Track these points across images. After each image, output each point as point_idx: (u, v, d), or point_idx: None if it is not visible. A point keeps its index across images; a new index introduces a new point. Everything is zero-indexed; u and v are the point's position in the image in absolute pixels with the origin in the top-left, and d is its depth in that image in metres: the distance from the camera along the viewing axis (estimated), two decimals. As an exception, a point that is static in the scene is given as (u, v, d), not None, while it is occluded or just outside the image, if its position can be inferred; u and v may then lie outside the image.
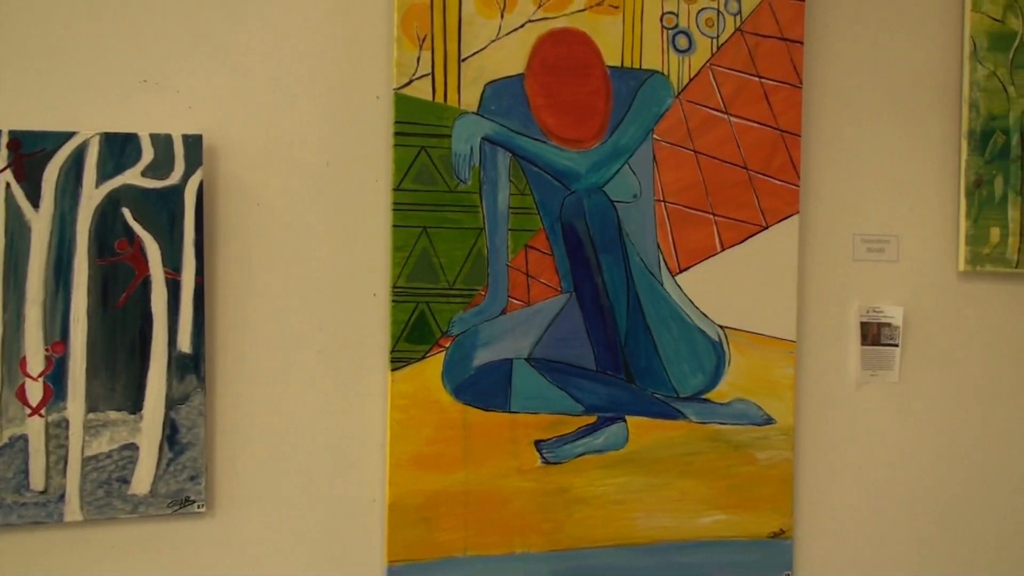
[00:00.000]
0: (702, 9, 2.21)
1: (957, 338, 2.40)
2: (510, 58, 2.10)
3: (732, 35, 2.22)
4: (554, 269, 2.13)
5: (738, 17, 2.23)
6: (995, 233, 2.39)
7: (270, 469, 2.02)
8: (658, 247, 2.18)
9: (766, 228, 2.24)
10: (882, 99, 2.37)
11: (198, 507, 1.94)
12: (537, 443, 2.12)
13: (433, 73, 2.06)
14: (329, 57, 2.04)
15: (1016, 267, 2.39)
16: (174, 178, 1.91)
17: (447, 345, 2.07)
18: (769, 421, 2.25)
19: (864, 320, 2.33)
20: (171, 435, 1.92)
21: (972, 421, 2.42)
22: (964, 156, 2.37)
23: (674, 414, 2.19)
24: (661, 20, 2.19)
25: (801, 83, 2.26)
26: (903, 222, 2.37)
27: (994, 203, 2.38)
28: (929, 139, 2.39)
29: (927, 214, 2.39)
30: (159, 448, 1.91)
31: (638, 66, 2.18)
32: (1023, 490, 2.45)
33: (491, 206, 2.09)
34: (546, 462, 2.13)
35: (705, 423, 2.21)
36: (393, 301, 2.04)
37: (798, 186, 2.26)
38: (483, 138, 2.09)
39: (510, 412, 2.10)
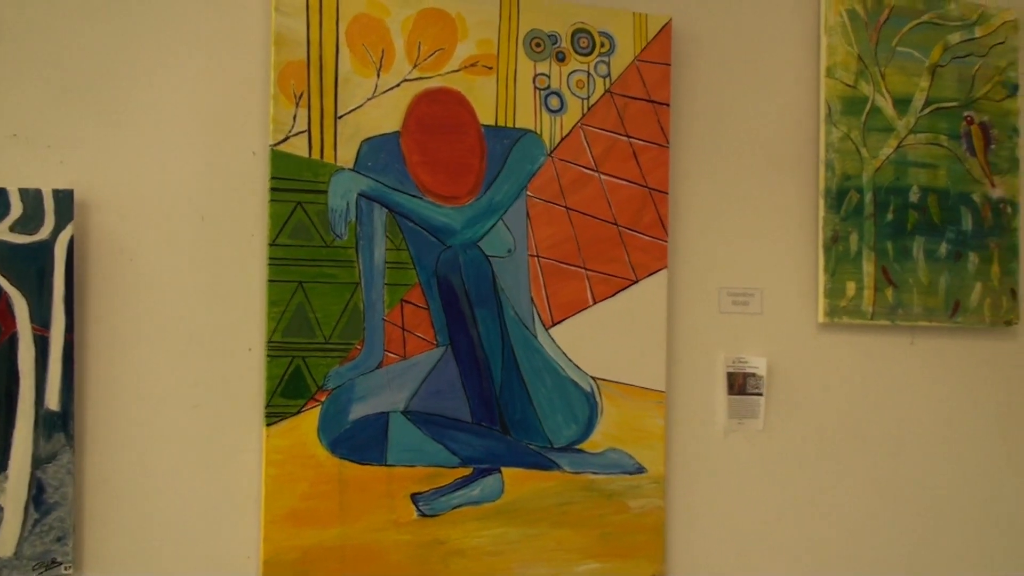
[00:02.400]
0: (573, 71, 2.29)
1: (817, 387, 2.51)
2: (386, 116, 2.14)
3: (602, 96, 2.31)
4: (430, 323, 2.16)
5: (607, 79, 2.31)
6: (851, 287, 2.51)
7: (142, 527, 1.99)
8: (532, 301, 2.24)
9: (636, 282, 2.32)
10: (745, 159, 2.48)
11: (65, 568, 1.90)
12: (414, 496, 2.14)
13: (310, 130, 2.09)
14: (205, 112, 2.05)
15: (871, 319, 2.52)
16: (43, 233, 1.88)
17: (323, 399, 2.07)
18: (641, 470, 2.31)
19: (730, 370, 2.42)
20: (37, 495, 1.87)
21: (832, 466, 2.52)
22: (821, 213, 2.50)
23: (549, 464, 2.24)
24: (534, 81, 2.26)
25: (668, 143, 2.36)
26: (766, 276, 2.48)
27: (850, 258, 2.51)
28: (789, 197, 2.51)
29: (788, 269, 2.50)
30: (24, 509, 1.87)
31: (512, 125, 2.24)
32: (881, 532, 2.55)
33: (367, 261, 2.12)
34: (423, 515, 2.14)
35: (579, 473, 2.26)
36: (268, 356, 2.05)
37: (666, 242, 2.35)
38: (359, 194, 2.12)
39: (386, 465, 2.12)
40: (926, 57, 2.60)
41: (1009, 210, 2.66)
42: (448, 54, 2.19)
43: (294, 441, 2.06)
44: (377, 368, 2.12)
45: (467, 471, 2.18)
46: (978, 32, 2.66)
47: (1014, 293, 2.65)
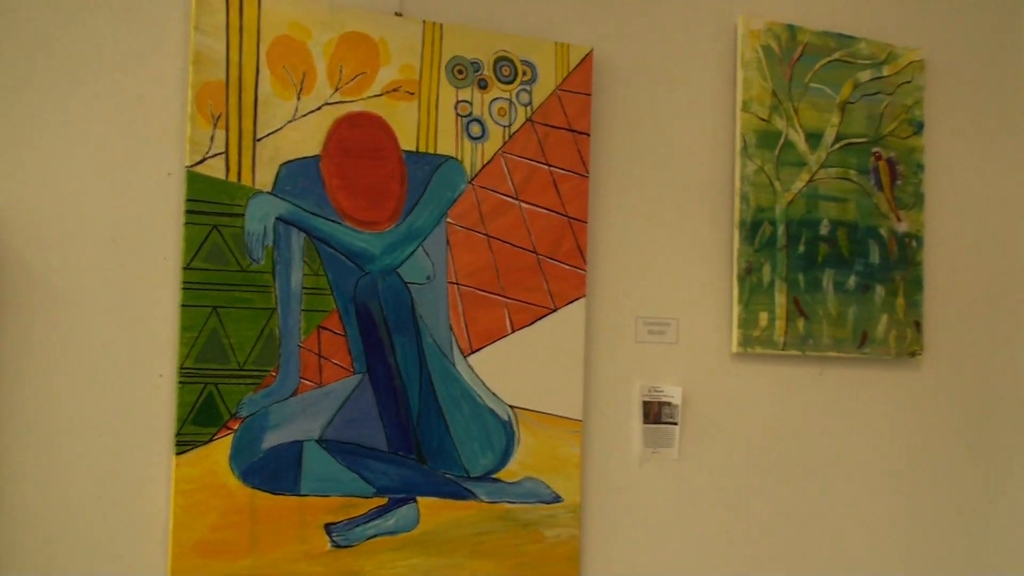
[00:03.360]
0: (495, 99, 2.29)
1: (730, 416, 2.54)
2: (306, 140, 2.11)
3: (523, 125, 2.31)
4: (347, 350, 2.13)
5: (529, 108, 2.32)
6: (764, 317, 2.55)
7: (46, 558, 1.92)
8: (451, 328, 2.22)
9: (555, 311, 2.32)
10: (663, 189, 2.51)
11: (-41, 604, 1.82)
12: (327, 526, 2.10)
13: (227, 152, 2.05)
14: (120, 131, 2.00)
15: (783, 349, 2.56)
16: (-56, 253, 1.81)
17: (236, 428, 2.03)
18: (557, 499, 2.30)
19: (646, 399, 2.44)
20: (-69, 527, 1.79)
21: (745, 494, 2.55)
22: (736, 245, 2.54)
23: (465, 494, 2.22)
24: (456, 108, 2.25)
25: (588, 172, 2.37)
26: (682, 306, 2.51)
27: (763, 289, 2.55)
28: (705, 228, 2.54)
29: (704, 299, 2.53)
30: (-83, 541, 1.78)
31: (433, 151, 2.23)
32: (794, 558, 2.59)
33: (284, 286, 2.08)
34: (336, 545, 2.10)
35: (495, 502, 2.25)
36: (180, 383, 1.99)
37: (585, 270, 2.36)
38: (277, 218, 2.08)
39: (300, 495, 2.08)
40: (837, 94, 2.67)
41: (914, 244, 2.73)
42: (370, 78, 2.18)
43: (204, 470, 2.00)
44: (292, 396, 2.08)
45: (382, 501, 2.15)
46: (886, 71, 2.73)
47: (918, 325, 2.72)
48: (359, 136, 2.16)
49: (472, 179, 2.26)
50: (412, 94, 2.21)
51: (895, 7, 2.80)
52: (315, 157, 2.12)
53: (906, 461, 2.73)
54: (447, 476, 2.20)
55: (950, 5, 2.88)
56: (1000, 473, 2.84)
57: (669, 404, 2.46)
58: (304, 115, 2.12)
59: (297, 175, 2.10)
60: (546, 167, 2.33)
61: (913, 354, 2.72)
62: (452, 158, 2.24)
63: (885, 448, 2.71)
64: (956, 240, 2.83)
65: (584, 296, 2.35)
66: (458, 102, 2.26)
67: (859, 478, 2.67)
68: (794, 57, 2.62)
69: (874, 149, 2.71)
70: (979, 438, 2.82)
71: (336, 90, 2.14)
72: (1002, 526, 2.83)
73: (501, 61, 2.30)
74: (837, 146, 2.66)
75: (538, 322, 2.31)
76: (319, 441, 2.10)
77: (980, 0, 2.93)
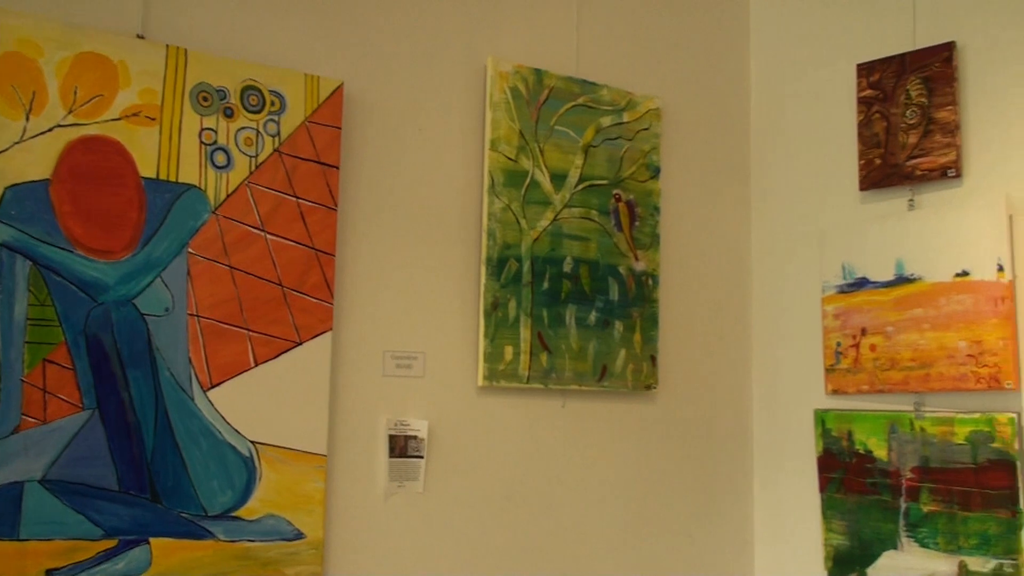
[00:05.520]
0: (241, 128, 2.25)
1: (476, 448, 2.58)
2: (35, 162, 2.01)
3: (270, 155, 2.28)
4: (75, 384, 2.02)
5: (277, 138, 2.29)
6: (509, 351, 2.61)
7: None
8: (190, 362, 2.15)
9: (300, 344, 2.29)
10: (412, 224, 2.53)
11: None
12: (50, 572, 1.98)
13: (-56, 172, 1.91)
14: None
15: (527, 382, 2.63)
16: None
17: (-53, 469, 1.88)
18: (299, 536, 2.26)
19: (392, 433, 2.44)
20: None
21: (491, 525, 2.59)
22: (483, 280, 2.59)
23: (202, 533, 2.15)
24: (200, 135, 2.20)
25: (336, 206, 2.36)
26: (429, 340, 2.53)
27: (508, 324, 2.62)
28: (453, 263, 2.58)
29: (451, 333, 2.57)
30: None
31: (175, 179, 2.16)
32: (533, 588, 2.66)
33: (5, 317, 1.96)
34: (59, 592, 1.99)
35: (234, 541, 2.18)
36: None
37: (332, 304, 2.34)
38: (0, 244, 1.96)
39: (19, 540, 1.95)
40: (580, 137, 2.78)
41: (651, 282, 2.88)
42: (108, 101, 2.09)
43: (-91, 516, 1.85)
44: (12, 434, 1.95)
45: (112, 543, 2.05)
46: (626, 117, 2.88)
47: (654, 360, 2.86)
48: (94, 161, 2.07)
49: (216, 209, 2.21)
50: (153, 119, 2.14)
51: (634, 57, 2.96)
52: (44, 181, 2.01)
53: (641, 487, 2.85)
54: (183, 515, 2.12)
55: (684, 58, 3.07)
56: (717, 496, 3.01)
57: (415, 438, 2.47)
58: (33, 136, 2.01)
59: (24, 199, 1.99)
60: (294, 199, 2.31)
61: (648, 387, 2.85)
62: (195, 186, 2.18)
63: (622, 476, 2.82)
64: (687, 279, 3.00)
65: (330, 329, 2.34)
66: (202, 130, 2.20)
67: (598, 504, 2.77)
68: (540, 100, 2.71)
69: (615, 191, 2.84)
70: (702, 465, 2.99)
71: (70, 112, 2.05)
72: (721, 540, 3.01)
73: (249, 90, 2.26)
74: (580, 187, 2.77)
75: (283, 355, 2.27)
76: (42, 481, 1.98)
77: (711, 54, 3.14)
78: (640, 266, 2.86)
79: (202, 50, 2.23)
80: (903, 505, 2.66)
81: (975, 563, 2.51)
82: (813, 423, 2.87)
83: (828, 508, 2.81)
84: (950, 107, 2.66)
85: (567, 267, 2.72)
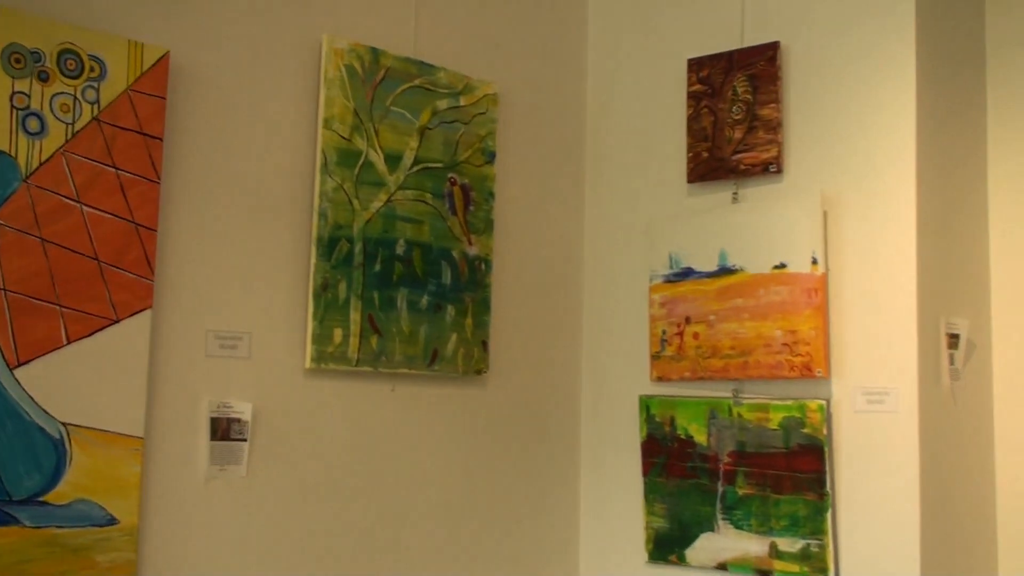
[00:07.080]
0: (57, 93, 2.14)
1: (303, 432, 2.53)
2: None
3: (89, 123, 2.17)
4: None
5: (96, 106, 2.18)
6: (338, 333, 2.57)
7: None
8: (-5, 338, 2.03)
9: (117, 322, 2.20)
10: (240, 201, 2.45)
11: None
12: None
13: None
14: None
15: (356, 365, 2.60)
16: None
17: None
18: (112, 521, 2.17)
19: (214, 415, 2.37)
20: None
21: (317, 510, 2.54)
22: (313, 260, 2.54)
23: (5, 519, 2.03)
24: (11, 99, 2.08)
25: (159, 178, 2.27)
26: (256, 320, 2.47)
27: (338, 305, 2.57)
28: (283, 242, 2.52)
29: (278, 314, 2.50)
30: None
31: (-18, 144, 2.04)
32: (364, 573, 2.62)
33: None
34: None
35: (41, 527, 2.07)
36: None
37: (152, 280, 2.25)
38: None
39: None
40: (416, 119, 2.76)
41: (483, 267, 2.88)
42: (-94, 58, 1.95)
43: None
44: None
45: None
46: (463, 101, 2.87)
47: (485, 344, 2.87)
48: None
49: (27, 177, 2.09)
50: (-42, 80, 2.01)
51: (473, 41, 2.96)
52: None
53: (470, 472, 2.86)
54: (-16, 500, 2.01)
55: (523, 45, 3.09)
56: (544, 481, 3.05)
57: (239, 420, 2.41)
58: None
59: None
60: (113, 170, 2.20)
61: (479, 372, 2.86)
62: (4, 153, 2.06)
63: (450, 460, 2.82)
64: (520, 264, 3.02)
65: (150, 307, 2.25)
66: (14, 93, 2.08)
67: (426, 489, 2.76)
68: (376, 80, 2.67)
69: (450, 175, 2.83)
70: (530, 450, 3.02)
71: None
72: (547, 525, 3.05)
73: (66, 54, 2.15)
74: (415, 169, 2.75)
75: (98, 333, 2.17)
76: None
77: (549, 42, 3.17)
78: (473, 250, 2.86)
79: (15, 7, 2.10)
80: (720, 488, 2.75)
81: (784, 543, 2.63)
82: (638, 409, 2.93)
83: (650, 492, 2.89)
84: (773, 104, 2.76)
85: (400, 249, 2.70)
